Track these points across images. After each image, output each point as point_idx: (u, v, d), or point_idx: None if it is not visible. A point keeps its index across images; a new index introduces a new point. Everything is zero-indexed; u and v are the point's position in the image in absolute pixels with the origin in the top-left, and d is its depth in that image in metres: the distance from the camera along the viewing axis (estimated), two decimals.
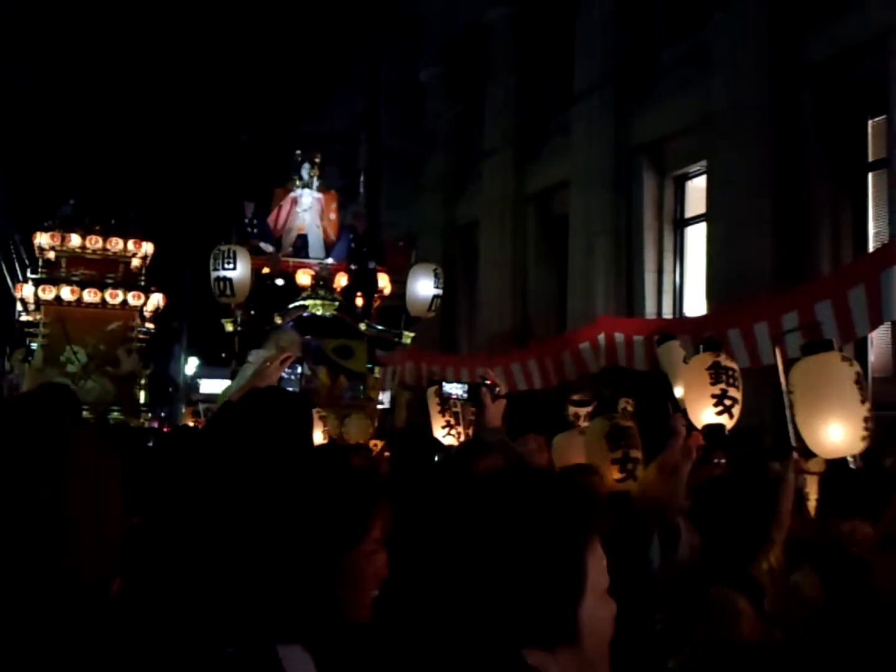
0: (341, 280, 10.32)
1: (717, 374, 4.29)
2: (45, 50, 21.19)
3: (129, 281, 15.94)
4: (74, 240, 15.92)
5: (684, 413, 4.13)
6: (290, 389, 6.71)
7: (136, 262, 16.15)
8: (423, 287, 9.88)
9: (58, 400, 3.62)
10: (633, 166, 12.61)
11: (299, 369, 9.02)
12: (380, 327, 10.10)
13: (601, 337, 10.14)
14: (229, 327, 9.45)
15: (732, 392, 4.27)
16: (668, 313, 12.15)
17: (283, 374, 2.76)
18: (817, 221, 9.72)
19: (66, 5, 21.30)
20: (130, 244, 16.05)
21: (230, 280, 9.13)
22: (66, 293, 15.39)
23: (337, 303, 9.68)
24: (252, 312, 9.64)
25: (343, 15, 19.38)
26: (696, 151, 11.46)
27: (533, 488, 1.32)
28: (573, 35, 13.57)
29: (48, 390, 4.04)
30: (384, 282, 10.80)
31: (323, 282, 9.79)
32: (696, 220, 11.96)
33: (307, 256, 10.51)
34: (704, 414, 4.26)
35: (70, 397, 3.98)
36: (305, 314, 9.56)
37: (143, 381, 15.79)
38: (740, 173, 10.00)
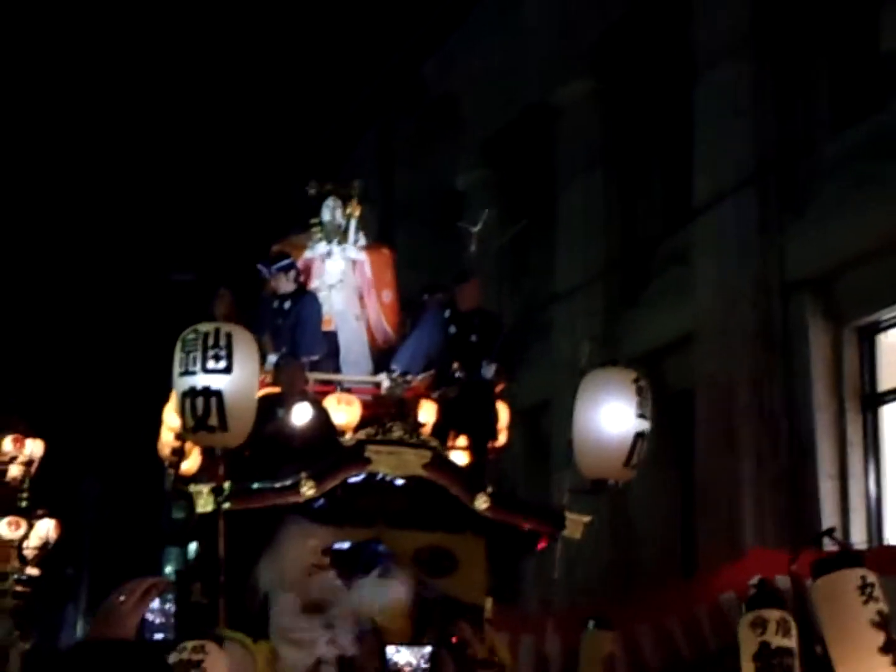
0: (421, 413, 8.64)
1: None
2: None
3: (2, 501, 15.86)
4: None
5: None
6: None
7: (14, 471, 16.21)
8: (613, 417, 7.67)
9: None
10: (791, 311, 12.78)
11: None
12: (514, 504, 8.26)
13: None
14: (205, 504, 7.23)
15: None
16: (859, 540, 11.92)
17: None
18: None
19: None
20: (7, 443, 16.07)
21: (219, 395, 6.88)
22: None
23: (430, 453, 7.80)
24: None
25: (336, 95, 19.90)
26: (892, 288, 11.58)
27: None
28: (690, 111, 13.88)
29: None
30: (505, 416, 9.18)
31: (398, 411, 7.98)
32: None
33: (337, 369, 9.17)
34: None
35: None
36: (357, 477, 7.75)
37: (18, 664, 15.47)
38: None
